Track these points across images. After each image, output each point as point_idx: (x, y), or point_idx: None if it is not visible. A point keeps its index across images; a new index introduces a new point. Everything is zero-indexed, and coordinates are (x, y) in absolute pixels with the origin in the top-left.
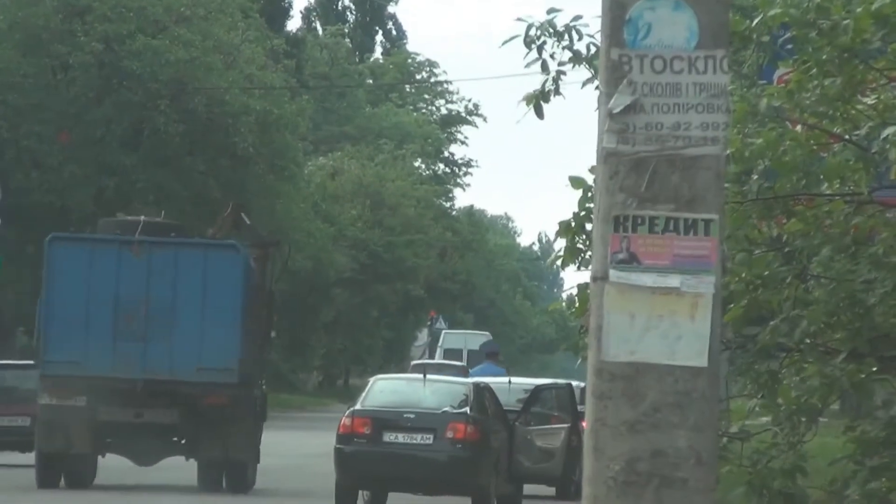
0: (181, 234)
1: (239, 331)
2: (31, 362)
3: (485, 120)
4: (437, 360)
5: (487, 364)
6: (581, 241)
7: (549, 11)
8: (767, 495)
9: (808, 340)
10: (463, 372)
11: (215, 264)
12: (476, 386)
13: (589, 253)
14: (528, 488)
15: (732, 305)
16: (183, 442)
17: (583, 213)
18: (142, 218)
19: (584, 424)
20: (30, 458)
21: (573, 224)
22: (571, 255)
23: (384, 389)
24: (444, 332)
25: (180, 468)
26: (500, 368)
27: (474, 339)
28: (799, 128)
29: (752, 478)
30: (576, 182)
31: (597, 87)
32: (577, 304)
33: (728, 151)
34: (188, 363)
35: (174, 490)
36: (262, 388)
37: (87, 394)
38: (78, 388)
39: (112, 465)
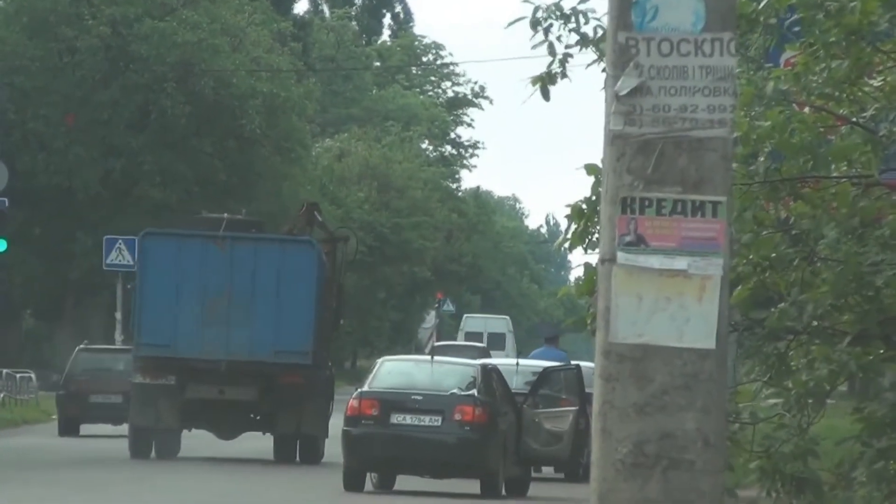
0: (261, 230)
1: (312, 318)
2: (124, 347)
3: (491, 102)
4: (459, 342)
5: (547, 348)
6: (593, 225)
7: None
8: (780, 480)
9: (815, 323)
10: (484, 353)
11: (292, 258)
12: (484, 368)
13: (596, 236)
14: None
15: (740, 287)
16: (260, 418)
17: (594, 198)
18: (225, 215)
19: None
20: (120, 430)
21: (585, 209)
22: (579, 238)
23: (392, 371)
24: (465, 316)
25: (258, 442)
26: (560, 352)
27: (494, 322)
28: (806, 110)
29: (764, 462)
30: (590, 168)
31: (603, 70)
32: (583, 283)
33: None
34: (267, 346)
35: (252, 461)
36: (331, 369)
37: (175, 373)
38: (168, 368)
39: (195, 439)
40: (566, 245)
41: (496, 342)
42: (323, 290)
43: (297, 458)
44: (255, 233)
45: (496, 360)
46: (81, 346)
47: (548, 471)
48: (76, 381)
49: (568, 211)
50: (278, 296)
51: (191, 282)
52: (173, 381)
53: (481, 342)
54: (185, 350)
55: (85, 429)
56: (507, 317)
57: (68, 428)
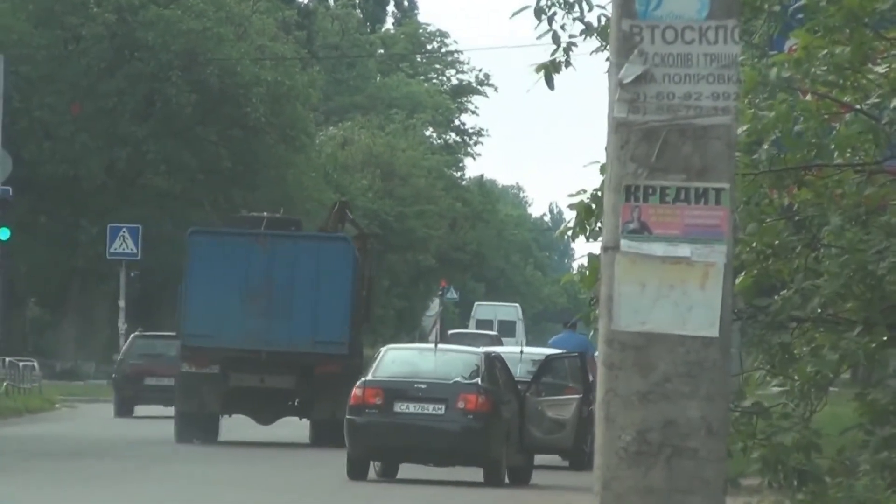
0: (299, 228)
1: (348, 310)
2: (175, 334)
3: (495, 90)
4: (471, 330)
5: (568, 333)
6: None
7: None
8: (782, 471)
9: (819, 311)
10: (496, 341)
11: (328, 254)
12: (487, 356)
13: (599, 224)
14: (540, 459)
15: (743, 275)
16: (297, 404)
17: (600, 194)
18: (265, 214)
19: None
20: (171, 411)
21: (594, 208)
22: (582, 227)
23: (395, 359)
24: (476, 304)
25: (295, 427)
26: (581, 337)
27: (504, 310)
28: (809, 97)
29: (766, 453)
30: (605, 169)
31: (607, 59)
32: (587, 274)
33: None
34: (305, 337)
35: (290, 445)
36: (362, 358)
37: (219, 363)
38: (212, 357)
39: (233, 423)
40: (569, 234)
41: (506, 329)
42: (356, 283)
43: (333, 443)
44: (294, 231)
45: (506, 349)
46: (136, 332)
47: (551, 459)
48: (131, 365)
49: (571, 200)
50: (316, 290)
51: (234, 277)
52: (217, 370)
53: (492, 329)
54: (229, 341)
55: (139, 410)
56: (517, 304)
57: (123, 409)
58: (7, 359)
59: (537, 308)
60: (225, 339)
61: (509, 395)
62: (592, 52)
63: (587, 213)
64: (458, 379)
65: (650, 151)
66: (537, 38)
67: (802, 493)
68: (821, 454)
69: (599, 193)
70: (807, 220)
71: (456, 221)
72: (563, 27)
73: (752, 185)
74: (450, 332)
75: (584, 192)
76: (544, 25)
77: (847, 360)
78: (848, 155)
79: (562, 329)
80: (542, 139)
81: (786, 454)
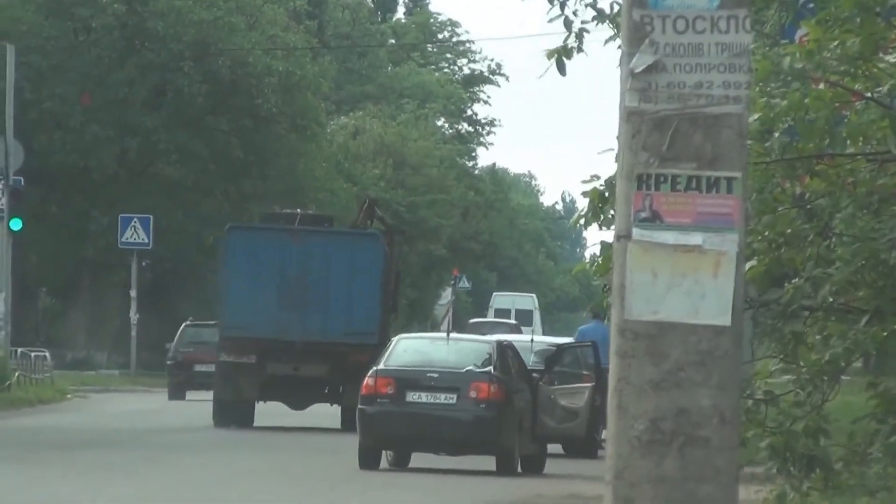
0: (332, 224)
1: (377, 302)
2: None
3: (507, 79)
4: (490, 318)
5: (596, 323)
6: (610, 205)
7: None
8: (791, 458)
9: (831, 300)
10: (515, 329)
11: (359, 250)
12: (499, 345)
13: (612, 212)
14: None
15: (755, 264)
16: (329, 391)
17: (615, 181)
18: (298, 211)
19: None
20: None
21: (607, 194)
22: (595, 215)
23: (407, 349)
24: (494, 294)
25: (326, 413)
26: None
27: (522, 300)
28: (822, 86)
29: (776, 440)
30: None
31: (619, 47)
32: (600, 262)
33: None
34: (338, 328)
35: (321, 430)
36: None
37: (256, 352)
38: (249, 347)
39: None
40: (581, 222)
41: (524, 318)
42: (385, 277)
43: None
44: (327, 227)
45: (523, 337)
46: (187, 322)
47: (554, 448)
48: (182, 353)
49: (584, 188)
50: (347, 283)
51: (270, 271)
52: (254, 360)
53: (510, 318)
54: (265, 332)
55: (190, 395)
56: (534, 294)
57: (176, 393)
58: (19, 349)
59: (550, 297)
60: (261, 330)
61: (522, 383)
62: (606, 41)
63: (601, 200)
64: (470, 368)
65: (662, 140)
66: (549, 22)
67: (811, 480)
68: (830, 440)
69: (613, 181)
70: (819, 208)
71: (468, 211)
72: (575, 13)
73: (765, 173)
74: (470, 320)
75: (598, 178)
76: (556, 10)
77: (857, 350)
78: (860, 144)
79: (590, 319)
80: (554, 128)
81: (795, 440)
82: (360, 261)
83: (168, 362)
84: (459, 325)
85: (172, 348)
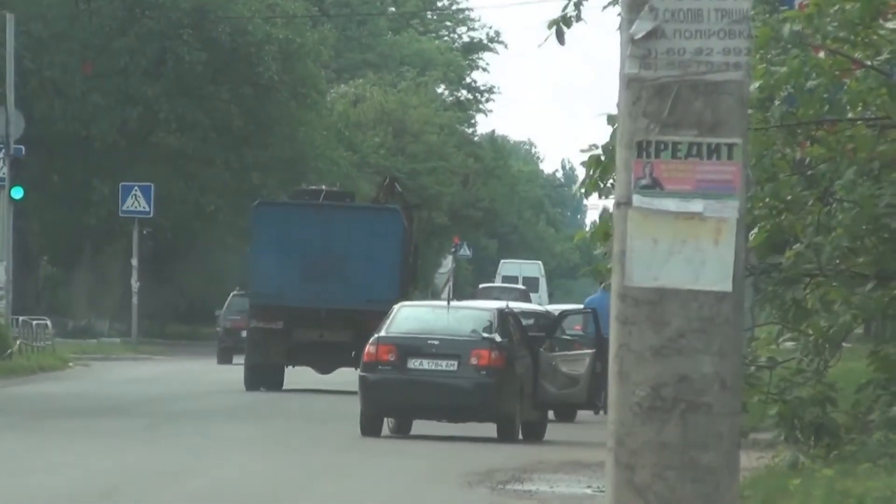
0: (353, 200)
1: (397, 272)
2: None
3: (506, 47)
4: (499, 284)
5: (604, 293)
6: (610, 173)
7: None
8: (799, 426)
9: (835, 264)
10: (524, 295)
11: (381, 223)
12: (500, 312)
13: (611, 182)
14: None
15: (756, 230)
16: (354, 356)
17: (612, 147)
18: (323, 188)
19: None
20: None
21: (603, 158)
22: (594, 183)
23: (408, 316)
24: (502, 261)
25: (349, 376)
26: None
27: (528, 267)
28: (822, 54)
29: (783, 408)
30: (612, 119)
31: (619, 14)
32: (600, 230)
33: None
34: (360, 296)
35: (346, 392)
36: None
37: (284, 319)
38: (277, 315)
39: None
40: (583, 190)
41: (530, 285)
42: (405, 249)
43: None
44: (349, 202)
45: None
46: (235, 292)
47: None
48: (229, 320)
49: (583, 156)
50: (369, 255)
51: (296, 243)
52: (282, 326)
53: (517, 284)
54: (292, 300)
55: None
56: (540, 262)
57: (225, 357)
58: (20, 317)
59: (551, 264)
60: (288, 298)
61: (523, 350)
62: (604, 7)
63: (595, 166)
64: (471, 335)
65: (662, 107)
66: None
67: (818, 447)
68: (837, 408)
69: (611, 147)
70: (819, 175)
71: (468, 178)
72: None
73: (765, 140)
74: (480, 286)
75: (596, 147)
76: None
77: (860, 315)
78: (860, 110)
79: (598, 289)
80: (553, 95)
81: (802, 409)
82: (381, 234)
83: (217, 329)
84: (461, 293)
85: (221, 316)
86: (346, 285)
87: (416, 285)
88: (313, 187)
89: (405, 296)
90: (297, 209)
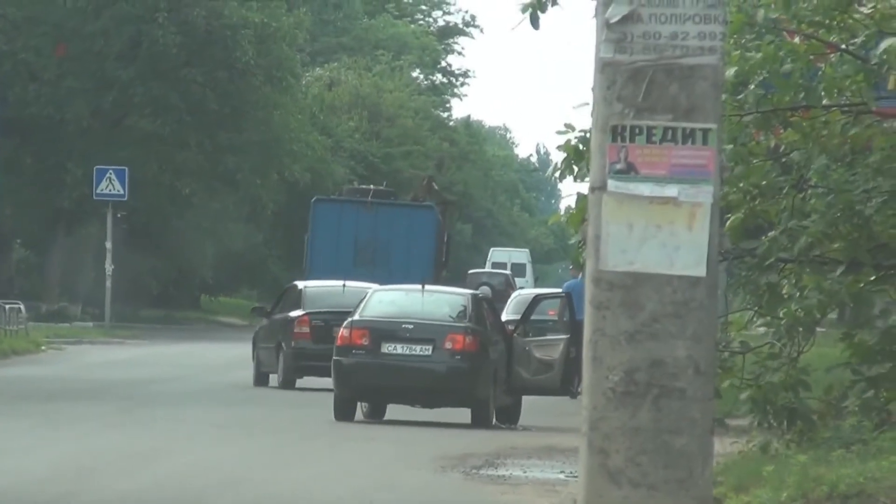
0: (396, 198)
1: (432, 261)
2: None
3: (482, 31)
4: (487, 269)
5: (583, 279)
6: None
7: None
8: (771, 410)
9: (806, 251)
10: (509, 280)
11: (419, 219)
12: (474, 297)
13: (587, 166)
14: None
15: (731, 215)
16: None
17: (588, 135)
18: (371, 187)
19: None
20: None
21: (581, 147)
22: (569, 168)
23: (382, 300)
24: (492, 249)
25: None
26: None
27: (517, 254)
28: (797, 39)
29: (755, 393)
30: (581, 107)
31: None
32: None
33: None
34: (399, 281)
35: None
36: None
37: None
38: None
39: None
40: (556, 175)
41: (518, 271)
42: (439, 241)
43: None
44: (393, 199)
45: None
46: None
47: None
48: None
49: (558, 140)
50: (408, 245)
51: (347, 235)
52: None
53: (506, 270)
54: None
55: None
56: (528, 249)
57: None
58: None
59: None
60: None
61: (497, 335)
62: None
63: (575, 154)
64: (445, 320)
65: (637, 91)
66: None
67: (792, 432)
68: (810, 393)
69: (588, 134)
70: (793, 161)
71: (442, 162)
72: None
73: (739, 126)
74: (469, 271)
75: (572, 127)
76: None
77: (832, 300)
78: (835, 96)
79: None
80: (528, 80)
81: (774, 393)
82: (419, 227)
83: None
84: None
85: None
86: (388, 270)
87: (447, 271)
88: (363, 186)
89: (437, 280)
90: (348, 205)
